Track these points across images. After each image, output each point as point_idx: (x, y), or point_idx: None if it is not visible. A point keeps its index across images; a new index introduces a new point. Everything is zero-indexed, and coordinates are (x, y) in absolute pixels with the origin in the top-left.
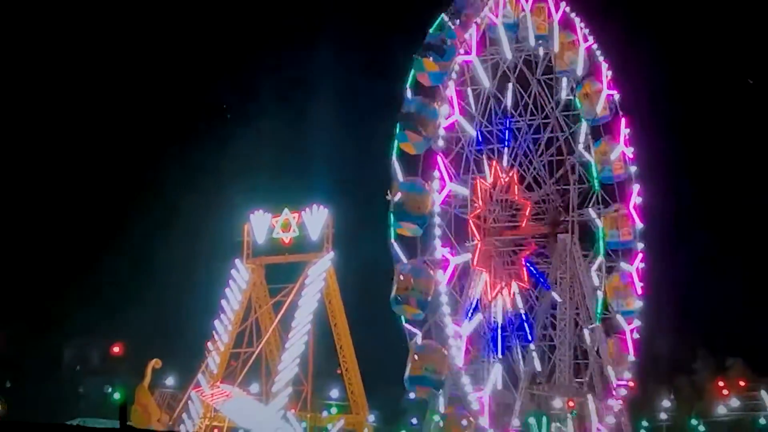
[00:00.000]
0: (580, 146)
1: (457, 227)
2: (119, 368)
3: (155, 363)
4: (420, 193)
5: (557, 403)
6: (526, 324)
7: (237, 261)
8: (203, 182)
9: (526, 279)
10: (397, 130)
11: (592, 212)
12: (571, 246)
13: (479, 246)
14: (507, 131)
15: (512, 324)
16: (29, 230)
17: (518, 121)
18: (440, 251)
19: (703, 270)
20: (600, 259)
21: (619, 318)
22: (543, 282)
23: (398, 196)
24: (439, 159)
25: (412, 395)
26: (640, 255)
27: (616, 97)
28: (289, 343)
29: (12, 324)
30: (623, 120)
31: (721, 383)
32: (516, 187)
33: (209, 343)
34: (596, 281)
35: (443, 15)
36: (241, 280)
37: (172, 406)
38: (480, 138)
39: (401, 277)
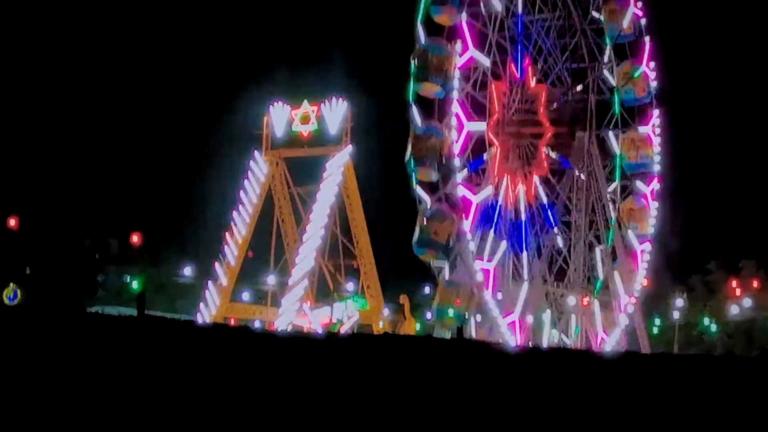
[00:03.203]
0: (604, 69)
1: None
2: (138, 257)
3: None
4: (442, 55)
5: (571, 300)
6: (549, 208)
7: (256, 153)
8: (222, 73)
9: (545, 167)
10: (413, 74)
11: (611, 134)
12: (588, 144)
13: (497, 152)
14: (520, 25)
15: (530, 218)
16: (51, 123)
17: (538, 19)
18: (461, 190)
19: (718, 172)
20: (616, 183)
21: (631, 236)
22: (564, 163)
23: (419, 58)
24: (455, 103)
25: (427, 290)
26: (656, 179)
27: (642, 18)
28: (306, 236)
29: (30, 210)
30: (648, 42)
31: (734, 283)
32: (532, 79)
33: (227, 234)
34: (613, 141)
35: None
36: (259, 172)
37: None
38: (496, 50)
39: (424, 223)
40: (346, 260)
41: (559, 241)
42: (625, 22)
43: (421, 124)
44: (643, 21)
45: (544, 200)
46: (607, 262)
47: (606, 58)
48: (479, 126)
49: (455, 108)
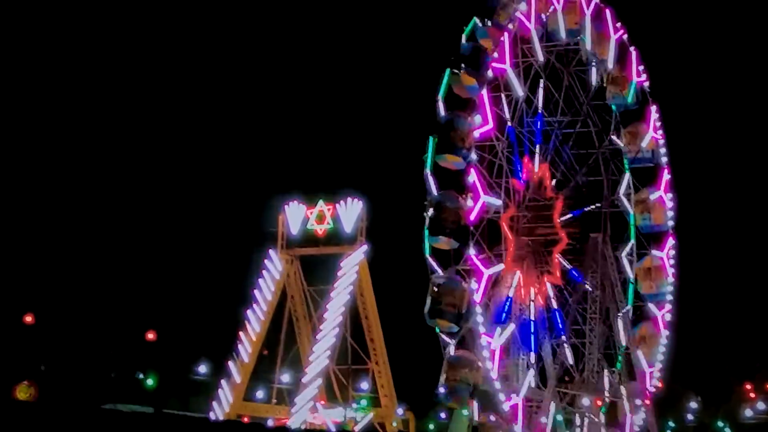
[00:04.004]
0: (621, 191)
1: (491, 234)
2: (153, 354)
3: None
4: (454, 207)
5: (585, 401)
6: (558, 315)
7: (271, 251)
8: (238, 171)
9: (558, 275)
10: (431, 146)
11: (623, 197)
12: (602, 245)
13: (512, 247)
14: (537, 131)
15: (543, 321)
16: (62, 212)
17: (550, 122)
18: (474, 261)
19: (734, 273)
20: (631, 242)
21: (651, 306)
22: (576, 276)
23: (431, 211)
24: (473, 172)
25: (442, 390)
26: (671, 240)
27: (646, 84)
28: (320, 335)
29: (45, 307)
30: (653, 106)
31: (748, 386)
32: (548, 182)
33: (240, 332)
34: (627, 267)
35: (476, 19)
36: (274, 270)
37: None
38: (512, 140)
39: (435, 290)
40: (361, 359)
41: (568, 355)
42: (629, 94)
43: (442, 273)
44: (662, 143)
45: (555, 306)
46: (615, 383)
47: (612, 125)
48: (498, 267)
49: (473, 260)
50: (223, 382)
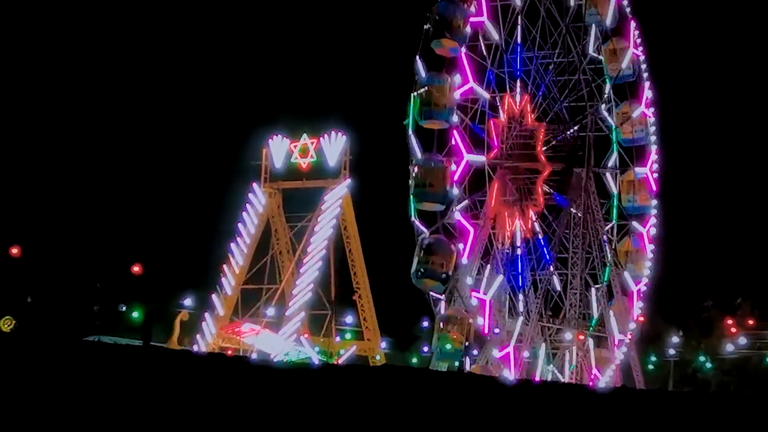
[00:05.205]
0: (603, 107)
1: (474, 139)
2: (139, 287)
3: (183, 316)
4: (442, 86)
5: (567, 335)
6: (543, 243)
7: (254, 185)
8: (222, 106)
9: (541, 201)
10: (414, 109)
11: (608, 175)
12: (586, 181)
13: (496, 185)
14: (518, 59)
15: (525, 255)
16: (48, 143)
17: (538, 56)
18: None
19: (717, 210)
20: (614, 155)
21: (627, 277)
22: (560, 200)
23: (421, 90)
24: (463, 56)
25: (425, 324)
26: (653, 219)
27: (642, 58)
28: (303, 269)
29: (32, 239)
30: (647, 82)
31: (730, 321)
32: (529, 114)
33: (224, 266)
34: (611, 181)
35: None
36: (257, 204)
37: None
38: (494, 83)
39: (416, 171)
40: (344, 293)
41: (555, 282)
42: (624, 63)
43: (421, 156)
44: (642, 59)
45: (540, 236)
46: (602, 301)
47: (605, 95)
48: (478, 158)
49: (455, 138)
50: (206, 315)
